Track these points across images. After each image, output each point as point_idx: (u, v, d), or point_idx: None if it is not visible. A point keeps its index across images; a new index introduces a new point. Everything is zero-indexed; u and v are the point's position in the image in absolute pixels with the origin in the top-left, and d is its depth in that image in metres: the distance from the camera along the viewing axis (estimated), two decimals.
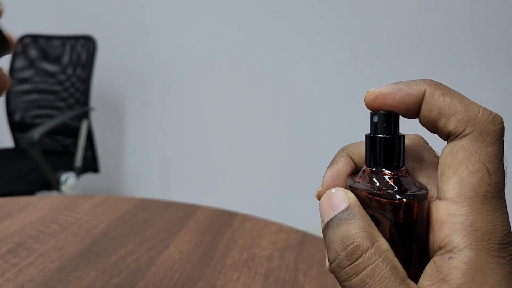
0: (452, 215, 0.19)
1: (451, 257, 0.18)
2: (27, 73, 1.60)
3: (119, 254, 0.50)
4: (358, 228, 0.19)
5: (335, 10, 1.58)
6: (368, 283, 0.18)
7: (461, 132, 0.20)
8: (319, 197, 0.22)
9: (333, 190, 0.21)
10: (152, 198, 0.67)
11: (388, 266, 0.18)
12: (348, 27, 1.60)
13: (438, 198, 0.20)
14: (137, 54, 1.76)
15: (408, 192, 0.21)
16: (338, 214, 0.20)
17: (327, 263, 0.20)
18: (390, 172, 0.22)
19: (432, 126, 0.21)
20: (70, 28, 1.64)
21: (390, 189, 0.21)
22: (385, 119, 0.22)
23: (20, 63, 1.59)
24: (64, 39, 1.60)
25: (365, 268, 0.18)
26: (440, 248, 0.19)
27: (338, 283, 0.20)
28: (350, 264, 0.19)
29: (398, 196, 0.21)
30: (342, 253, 0.19)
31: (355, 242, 0.19)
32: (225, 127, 1.76)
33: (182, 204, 0.64)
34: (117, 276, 0.45)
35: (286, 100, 1.68)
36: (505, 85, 1.56)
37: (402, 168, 0.22)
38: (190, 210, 0.62)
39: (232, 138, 1.76)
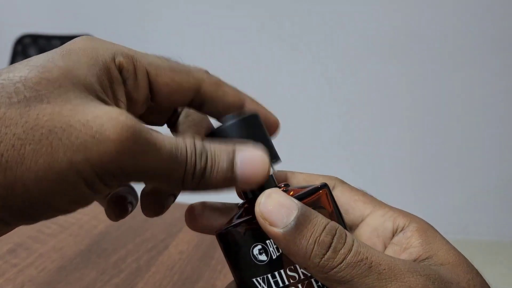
0: (383, 217, 0.26)
1: (405, 231, 0.25)
2: None
3: (119, 254, 0.50)
4: (324, 218, 0.22)
5: (335, 10, 1.59)
6: (361, 251, 0.21)
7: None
8: None
9: (270, 204, 0.22)
10: None
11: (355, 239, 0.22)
12: (348, 27, 1.60)
13: (361, 222, 0.26)
14: None
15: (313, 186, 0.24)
16: (297, 214, 0.21)
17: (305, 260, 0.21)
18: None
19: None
20: (70, 28, 1.64)
21: (296, 193, 0.23)
22: None
23: None
24: (64, 39, 1.59)
25: (353, 241, 0.21)
26: (394, 233, 0.25)
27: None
28: (343, 244, 0.21)
29: (318, 186, 0.23)
30: (334, 239, 0.21)
31: (336, 227, 0.21)
32: None
33: (182, 204, 0.64)
34: (117, 276, 0.46)
35: (285, 99, 1.68)
36: (504, 85, 1.56)
37: (280, 184, 0.25)
38: None
39: None
